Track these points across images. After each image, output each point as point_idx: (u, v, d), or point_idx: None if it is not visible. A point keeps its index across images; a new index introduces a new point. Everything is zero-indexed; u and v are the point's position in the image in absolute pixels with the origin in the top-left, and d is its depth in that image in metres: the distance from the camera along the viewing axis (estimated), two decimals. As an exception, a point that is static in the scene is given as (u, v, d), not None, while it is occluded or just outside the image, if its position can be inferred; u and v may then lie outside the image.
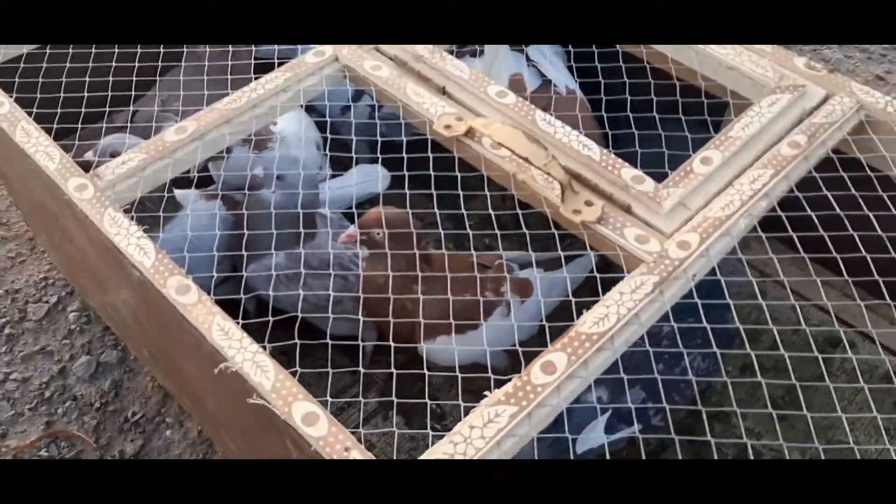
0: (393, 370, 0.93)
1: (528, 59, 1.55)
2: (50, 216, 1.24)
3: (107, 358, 1.57)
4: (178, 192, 1.35)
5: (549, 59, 1.55)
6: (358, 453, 0.78)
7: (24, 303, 1.68)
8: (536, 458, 1.06)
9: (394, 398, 0.91)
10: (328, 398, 0.86)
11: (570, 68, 1.58)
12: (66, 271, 1.66)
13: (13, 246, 1.80)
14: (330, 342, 0.97)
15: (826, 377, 0.90)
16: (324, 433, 0.80)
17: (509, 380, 0.85)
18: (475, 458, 0.78)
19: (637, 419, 1.18)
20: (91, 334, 1.61)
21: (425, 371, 0.98)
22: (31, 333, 1.62)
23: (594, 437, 1.17)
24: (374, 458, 0.78)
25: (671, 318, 0.89)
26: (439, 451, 0.79)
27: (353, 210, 1.45)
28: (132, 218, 1.01)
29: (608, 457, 1.21)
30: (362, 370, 0.97)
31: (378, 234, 1.17)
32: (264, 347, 0.87)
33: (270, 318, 0.94)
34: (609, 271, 1.02)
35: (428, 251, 1.15)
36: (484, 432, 0.80)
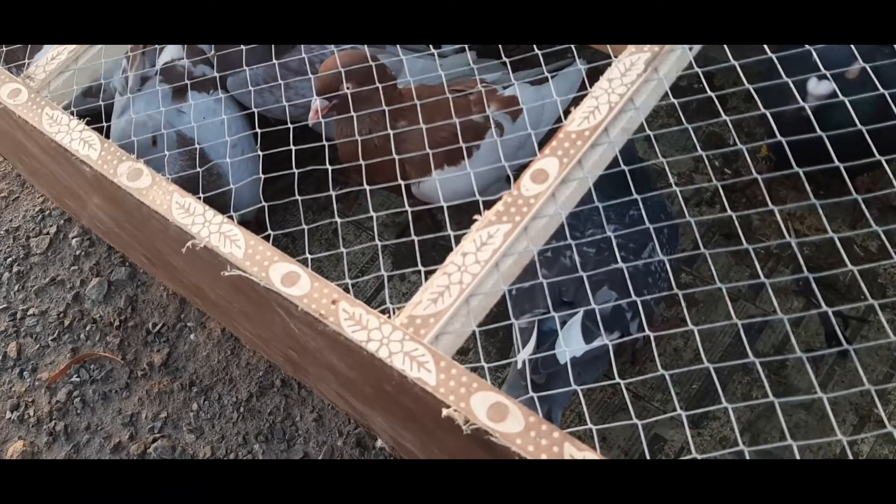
0: (407, 208, 0.85)
1: None
2: (7, 136, 1.16)
3: (117, 276, 1.53)
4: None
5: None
6: (347, 304, 0.72)
7: (26, 238, 1.64)
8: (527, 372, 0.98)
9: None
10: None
11: None
12: (52, 196, 1.60)
13: (3, 185, 1.75)
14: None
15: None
16: (307, 290, 0.73)
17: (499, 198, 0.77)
18: (471, 285, 0.71)
19: (613, 326, 1.01)
20: (97, 256, 1.57)
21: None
22: (39, 267, 1.59)
23: (573, 343, 1.00)
24: (364, 308, 0.72)
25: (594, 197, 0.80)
26: (434, 284, 0.72)
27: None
28: (72, 113, 0.93)
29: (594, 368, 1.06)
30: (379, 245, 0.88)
31: (347, 87, 1.05)
32: (231, 217, 0.81)
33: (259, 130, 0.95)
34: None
35: (394, 84, 1.03)
36: (478, 256, 0.73)
